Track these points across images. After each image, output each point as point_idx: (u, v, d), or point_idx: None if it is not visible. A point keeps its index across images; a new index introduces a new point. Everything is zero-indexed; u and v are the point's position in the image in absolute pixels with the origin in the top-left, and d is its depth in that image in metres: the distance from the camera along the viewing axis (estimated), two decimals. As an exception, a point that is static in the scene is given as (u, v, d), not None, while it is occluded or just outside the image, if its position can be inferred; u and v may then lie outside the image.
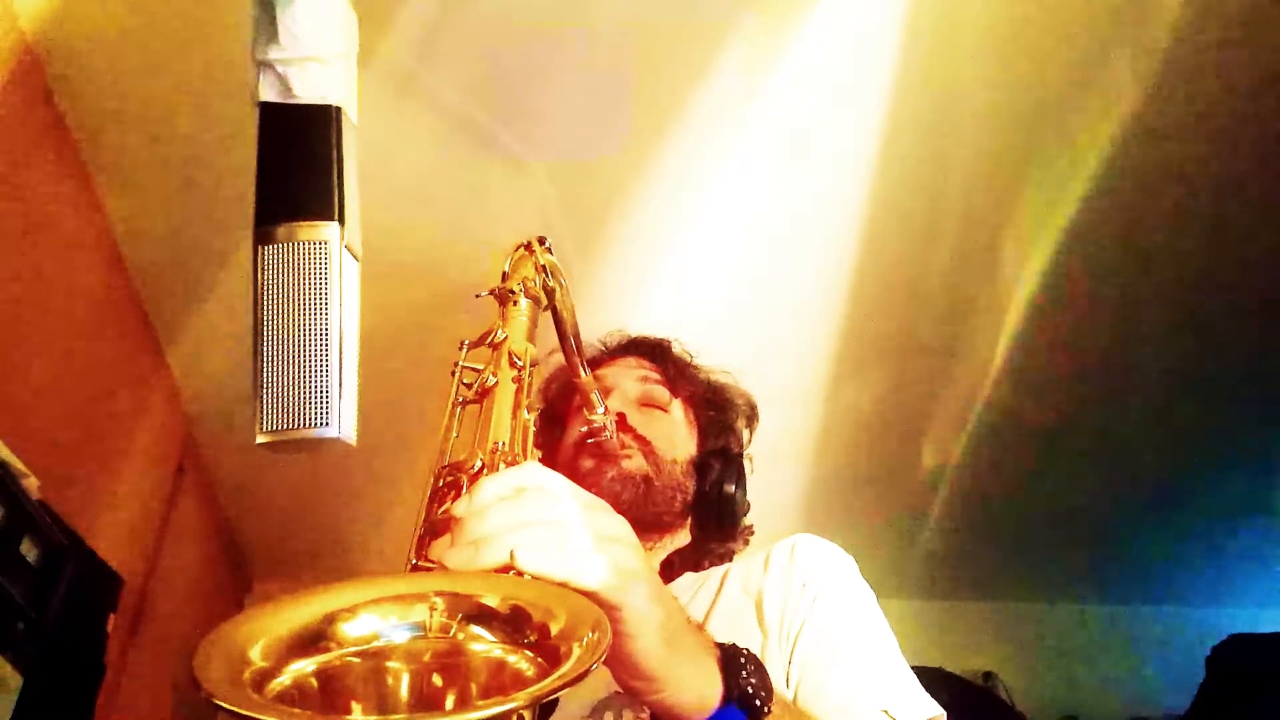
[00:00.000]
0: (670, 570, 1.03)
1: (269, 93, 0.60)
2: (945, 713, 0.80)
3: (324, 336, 0.57)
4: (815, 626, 0.84)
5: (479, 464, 0.60)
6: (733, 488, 1.06)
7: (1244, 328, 1.91)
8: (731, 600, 0.92)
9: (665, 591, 0.60)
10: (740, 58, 1.39)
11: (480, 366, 0.70)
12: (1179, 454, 2.21)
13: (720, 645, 0.62)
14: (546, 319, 0.80)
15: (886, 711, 0.76)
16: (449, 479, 0.61)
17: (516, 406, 0.67)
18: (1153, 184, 1.62)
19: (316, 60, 0.60)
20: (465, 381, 0.70)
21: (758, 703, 0.59)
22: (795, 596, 0.87)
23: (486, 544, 0.50)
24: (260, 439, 0.56)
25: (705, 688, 0.58)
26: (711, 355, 1.21)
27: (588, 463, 0.97)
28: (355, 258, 0.61)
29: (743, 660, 0.61)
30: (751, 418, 1.18)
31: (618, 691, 0.80)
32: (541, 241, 0.80)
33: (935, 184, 1.61)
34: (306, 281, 0.58)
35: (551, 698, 0.38)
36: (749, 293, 1.77)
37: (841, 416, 2.04)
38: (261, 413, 0.56)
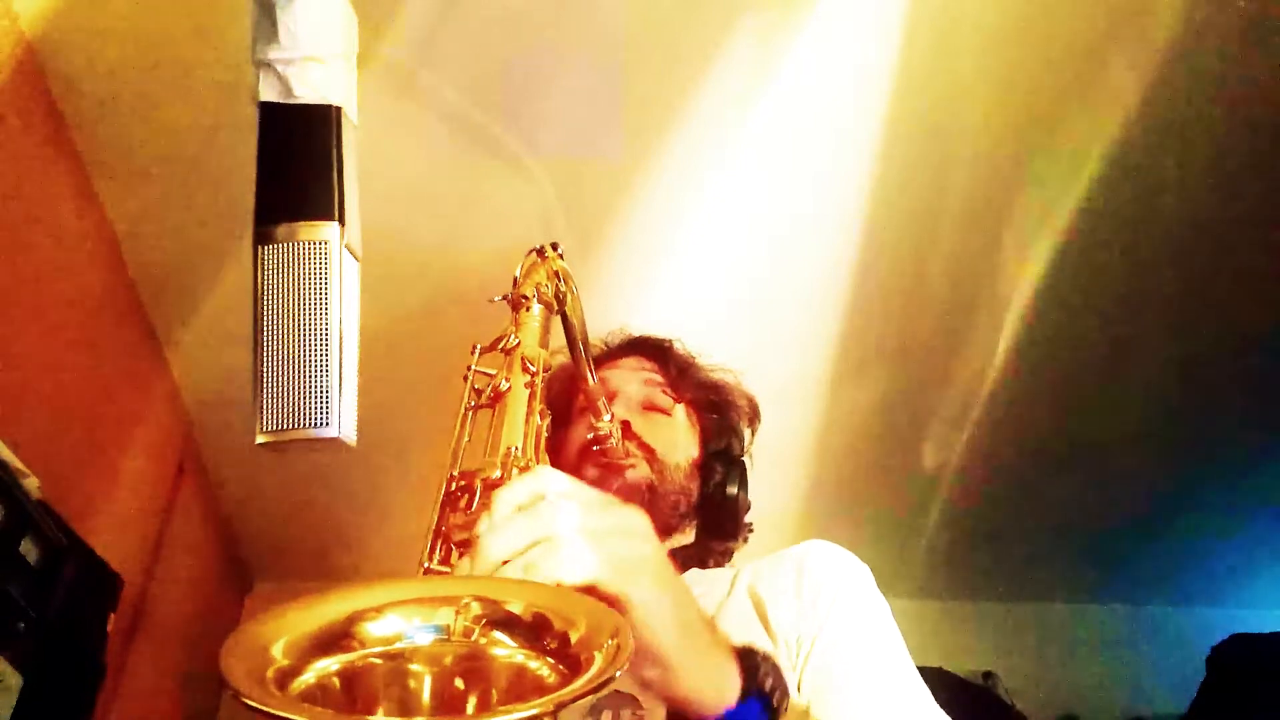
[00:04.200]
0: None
1: (269, 93, 0.60)
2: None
3: (324, 336, 0.57)
4: (827, 644, 0.82)
5: (498, 472, 0.61)
6: (735, 489, 1.07)
7: (1244, 327, 1.91)
8: (740, 607, 0.91)
9: (679, 584, 0.60)
10: (740, 58, 1.39)
11: (492, 372, 0.71)
12: (1179, 454, 2.21)
13: (737, 647, 0.62)
14: (555, 324, 0.80)
15: None
16: (461, 484, 0.61)
17: (530, 412, 0.68)
18: (1152, 184, 1.62)
19: (316, 60, 0.60)
20: (476, 386, 0.70)
21: (774, 701, 0.59)
22: (808, 609, 0.85)
23: (499, 569, 0.51)
24: (260, 439, 0.57)
25: (723, 681, 0.58)
26: (712, 355, 1.21)
27: (592, 472, 0.97)
28: (355, 258, 0.61)
29: (760, 660, 0.61)
30: (754, 418, 1.18)
31: (617, 691, 0.80)
32: (554, 247, 0.80)
33: (935, 184, 1.61)
34: (306, 281, 0.58)
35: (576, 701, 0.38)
36: (749, 293, 1.77)
37: (841, 416, 2.04)
38: (261, 413, 0.56)
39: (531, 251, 0.81)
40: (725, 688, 0.58)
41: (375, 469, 1.91)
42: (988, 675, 2.49)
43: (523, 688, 0.43)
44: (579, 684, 0.39)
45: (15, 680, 1.12)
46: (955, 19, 1.36)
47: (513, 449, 0.63)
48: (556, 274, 0.78)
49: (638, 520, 0.58)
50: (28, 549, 1.17)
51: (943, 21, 1.36)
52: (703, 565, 1.06)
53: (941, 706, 0.79)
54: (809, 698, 0.78)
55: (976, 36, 1.39)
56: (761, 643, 0.82)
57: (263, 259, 0.58)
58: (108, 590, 1.43)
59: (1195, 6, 1.36)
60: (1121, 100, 1.49)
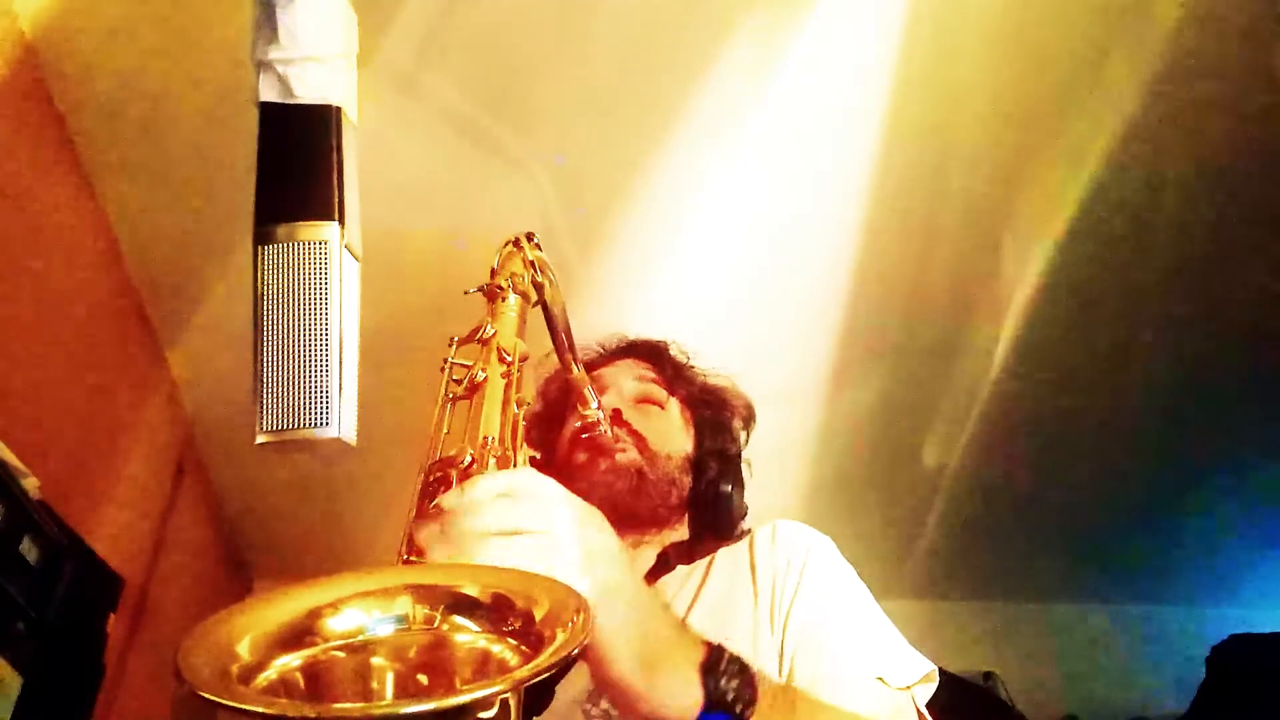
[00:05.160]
0: (665, 564, 1.03)
1: (269, 93, 0.60)
2: (937, 667, 0.81)
3: (324, 336, 0.58)
4: (804, 600, 0.85)
5: (469, 459, 0.60)
6: (729, 487, 1.07)
7: (1244, 327, 1.91)
8: (719, 581, 0.93)
9: (647, 598, 0.61)
10: (741, 58, 1.39)
11: (470, 363, 0.71)
12: (1179, 454, 2.21)
13: (707, 645, 0.63)
14: (535, 315, 0.80)
15: (881, 679, 0.78)
16: (439, 474, 0.61)
17: (506, 401, 0.68)
18: (1152, 184, 1.62)
19: (316, 60, 0.60)
20: (455, 378, 0.70)
21: (739, 708, 0.60)
22: (782, 573, 0.88)
23: (476, 542, 0.50)
24: (260, 439, 0.57)
25: (685, 698, 0.59)
26: (712, 355, 1.21)
27: (581, 455, 0.98)
28: (355, 258, 0.61)
29: (725, 663, 0.61)
30: (749, 419, 1.18)
31: None
32: (530, 237, 0.81)
33: (935, 184, 1.61)
34: (306, 281, 0.58)
35: (537, 680, 0.39)
36: (749, 293, 1.77)
37: (841, 416, 2.04)
38: (261, 413, 0.57)
39: (507, 242, 0.81)
40: (686, 704, 0.59)
41: (375, 468, 1.91)
42: (988, 675, 2.49)
43: (487, 672, 0.43)
44: (535, 664, 0.39)
45: (15, 680, 1.12)
46: (955, 19, 1.36)
47: (489, 438, 0.63)
48: (533, 263, 0.78)
49: (615, 543, 0.59)
50: (28, 549, 1.17)
51: (943, 21, 1.36)
52: (691, 561, 1.06)
53: (941, 707, 0.80)
54: (793, 649, 0.81)
55: (976, 36, 1.38)
56: (740, 614, 0.85)
57: (263, 259, 0.59)
58: (108, 590, 1.43)
59: (1194, 6, 1.36)
60: (1121, 100, 1.49)
